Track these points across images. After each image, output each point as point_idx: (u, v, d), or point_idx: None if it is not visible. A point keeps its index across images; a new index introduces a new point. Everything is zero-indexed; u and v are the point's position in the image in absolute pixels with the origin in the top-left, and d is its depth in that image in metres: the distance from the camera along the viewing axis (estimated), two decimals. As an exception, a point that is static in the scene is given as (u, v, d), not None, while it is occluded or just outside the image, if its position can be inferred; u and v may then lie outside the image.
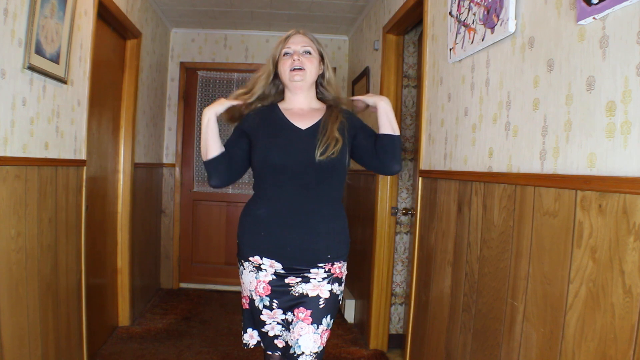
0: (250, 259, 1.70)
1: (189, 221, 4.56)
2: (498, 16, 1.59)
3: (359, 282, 3.70)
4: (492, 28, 1.64)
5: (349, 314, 3.78)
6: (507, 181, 1.54)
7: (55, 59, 2.04)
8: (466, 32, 1.85)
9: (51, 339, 2.12)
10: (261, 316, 1.70)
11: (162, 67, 4.22)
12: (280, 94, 1.81)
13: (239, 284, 4.96)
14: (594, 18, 1.15)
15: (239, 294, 4.44)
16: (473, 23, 1.79)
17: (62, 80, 2.14)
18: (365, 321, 3.36)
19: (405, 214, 3.04)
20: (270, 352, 1.75)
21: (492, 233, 1.64)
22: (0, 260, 1.70)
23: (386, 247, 3.17)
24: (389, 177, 3.14)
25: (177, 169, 4.49)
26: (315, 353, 1.62)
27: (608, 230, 1.09)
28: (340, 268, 1.70)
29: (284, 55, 1.72)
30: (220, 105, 1.67)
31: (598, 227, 1.12)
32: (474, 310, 1.75)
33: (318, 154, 1.59)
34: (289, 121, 1.70)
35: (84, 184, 2.47)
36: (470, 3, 1.81)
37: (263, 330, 1.72)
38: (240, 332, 3.52)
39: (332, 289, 1.67)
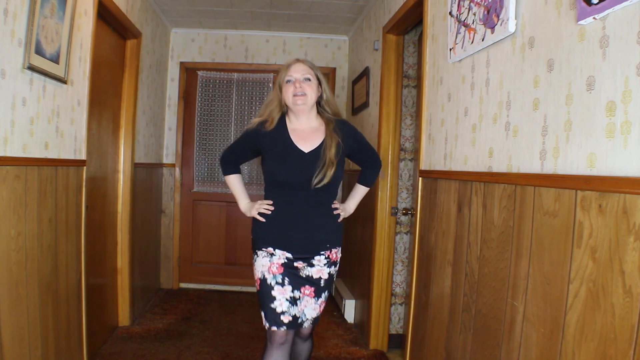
0: (264, 249, 2.01)
1: (189, 221, 4.56)
2: (498, 16, 1.59)
3: (359, 282, 3.70)
4: (492, 28, 1.64)
5: (349, 314, 3.77)
6: (507, 181, 1.54)
7: (55, 59, 2.04)
8: (466, 32, 1.86)
9: (51, 339, 2.12)
10: (272, 292, 1.95)
11: (162, 67, 4.22)
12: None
13: (239, 284, 4.95)
14: (594, 18, 1.15)
15: (239, 294, 4.46)
16: (473, 23, 1.79)
17: (62, 80, 2.14)
18: (365, 321, 3.36)
19: (405, 214, 3.04)
20: (275, 328, 1.94)
21: (492, 233, 1.64)
22: (0, 260, 1.70)
23: (386, 247, 3.17)
24: (389, 177, 3.16)
25: (177, 169, 4.49)
26: (314, 318, 2.05)
27: (608, 230, 1.09)
28: (336, 253, 2.08)
29: (286, 82, 1.99)
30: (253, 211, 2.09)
31: (598, 227, 1.12)
32: (474, 310, 1.75)
33: (314, 183, 1.93)
34: (295, 145, 1.99)
35: (84, 184, 2.47)
36: (470, 3, 1.81)
37: (272, 306, 1.94)
38: (240, 332, 3.54)
39: (330, 271, 2.06)
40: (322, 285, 2.03)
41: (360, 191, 2.23)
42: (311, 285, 2.01)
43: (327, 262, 2.03)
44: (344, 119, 2.15)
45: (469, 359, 1.78)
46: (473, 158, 1.83)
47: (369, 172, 2.22)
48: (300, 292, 1.99)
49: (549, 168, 1.33)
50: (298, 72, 1.97)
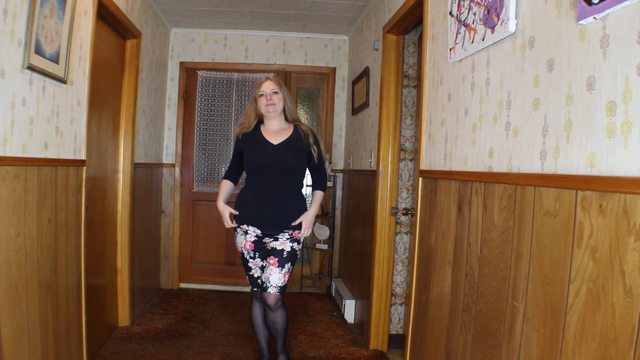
0: (241, 226, 2.58)
1: (189, 221, 4.56)
2: (498, 16, 1.59)
3: (359, 282, 3.70)
4: (493, 28, 1.64)
5: (349, 314, 3.77)
6: (507, 181, 1.54)
7: (55, 59, 2.04)
8: (466, 31, 1.85)
9: (51, 339, 2.12)
10: (249, 263, 2.61)
11: (162, 67, 4.22)
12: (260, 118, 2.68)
13: (238, 284, 4.97)
14: (594, 18, 1.15)
15: (239, 294, 4.46)
16: (473, 23, 1.79)
17: (62, 80, 2.14)
18: (365, 321, 3.36)
19: (405, 214, 3.04)
20: (255, 289, 2.64)
21: (492, 233, 1.63)
22: (0, 260, 1.70)
23: (386, 247, 3.16)
24: (389, 177, 3.16)
25: (177, 169, 4.48)
26: (279, 286, 2.51)
27: (608, 230, 1.09)
28: (298, 233, 2.58)
29: (260, 96, 2.55)
30: (225, 220, 2.60)
31: (598, 227, 1.12)
32: (474, 311, 1.74)
33: (288, 162, 2.51)
34: (266, 139, 2.58)
35: (83, 184, 2.47)
36: (470, 3, 1.81)
37: (250, 273, 2.63)
38: (240, 332, 3.55)
39: (292, 246, 2.57)
40: (284, 256, 2.53)
41: (317, 196, 2.68)
42: (275, 256, 2.53)
43: (290, 238, 2.56)
44: (307, 125, 2.74)
45: (469, 359, 1.78)
46: (473, 158, 1.83)
47: (315, 175, 2.70)
48: (266, 261, 2.55)
49: (549, 168, 1.33)
50: (268, 87, 2.53)
